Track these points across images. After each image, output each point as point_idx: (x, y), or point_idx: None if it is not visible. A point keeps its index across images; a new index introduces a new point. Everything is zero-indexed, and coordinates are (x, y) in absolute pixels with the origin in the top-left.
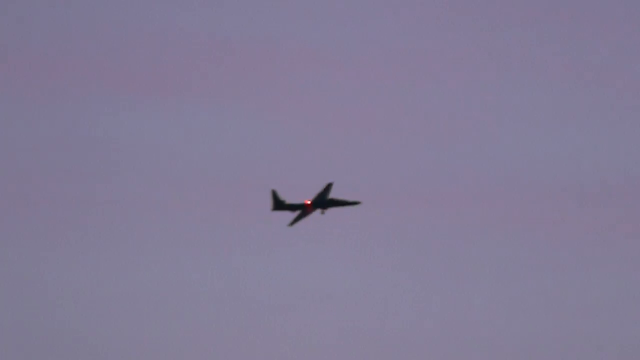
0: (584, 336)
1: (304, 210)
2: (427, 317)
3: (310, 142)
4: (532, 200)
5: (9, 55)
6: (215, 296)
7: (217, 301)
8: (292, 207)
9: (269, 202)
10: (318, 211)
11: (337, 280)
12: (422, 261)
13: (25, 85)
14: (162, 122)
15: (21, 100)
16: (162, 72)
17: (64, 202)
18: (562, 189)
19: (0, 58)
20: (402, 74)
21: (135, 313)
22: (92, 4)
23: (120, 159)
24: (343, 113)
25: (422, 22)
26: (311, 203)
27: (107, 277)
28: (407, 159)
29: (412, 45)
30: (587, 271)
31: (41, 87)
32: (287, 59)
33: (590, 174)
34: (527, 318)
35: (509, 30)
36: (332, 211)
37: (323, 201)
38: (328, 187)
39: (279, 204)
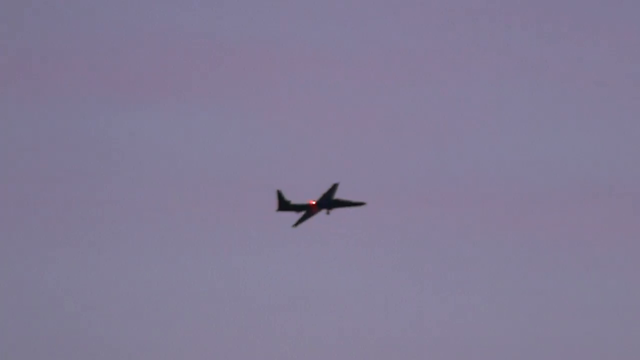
0: (580, 336)
1: (308, 211)
2: (430, 317)
3: (314, 143)
4: (533, 201)
5: (8, 55)
6: (219, 297)
7: (221, 302)
8: (297, 208)
9: (273, 202)
10: (323, 212)
11: (341, 281)
12: (426, 262)
13: (23, 86)
14: (163, 123)
15: (19, 101)
16: (162, 73)
17: (62, 202)
18: (562, 189)
19: None
20: (403, 74)
21: (136, 313)
22: (92, 5)
23: (121, 160)
24: (346, 113)
25: (422, 23)
26: (316, 203)
27: (107, 277)
28: (411, 160)
29: (412, 45)
30: (585, 272)
31: (36, 87)
32: (288, 59)
33: (590, 174)
34: (526, 318)
35: (509, 31)
36: (336, 212)
37: (328, 202)
38: (333, 187)
39: (284, 205)
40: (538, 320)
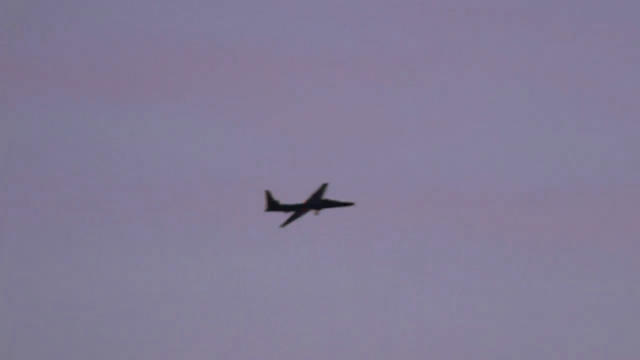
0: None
1: (297, 211)
2: (422, 318)
3: (303, 144)
4: (528, 201)
5: (6, 55)
6: (207, 298)
7: (209, 302)
8: (286, 208)
9: (262, 203)
10: (312, 212)
11: (329, 282)
12: (417, 262)
13: (19, 87)
14: (154, 124)
15: (16, 102)
16: (156, 74)
17: (55, 203)
18: (556, 189)
19: None
20: (394, 76)
21: (124, 313)
22: (91, 5)
23: (115, 161)
24: (338, 113)
25: (417, 25)
26: (305, 204)
27: (101, 278)
28: (401, 160)
29: (405, 47)
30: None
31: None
32: (281, 60)
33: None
34: (522, 318)
35: (508, 32)
36: (325, 212)
37: (317, 202)
38: (323, 187)
39: (273, 205)
40: (534, 321)
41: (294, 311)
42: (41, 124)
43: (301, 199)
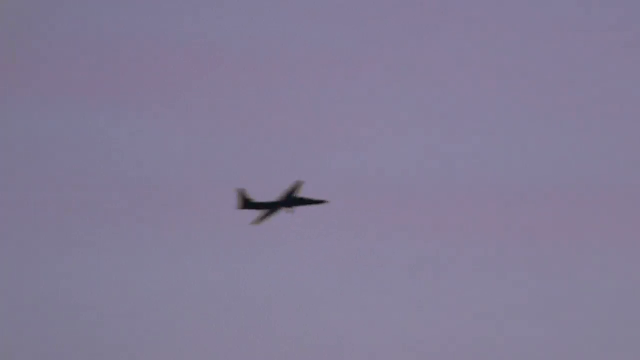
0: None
1: (271, 209)
2: (395, 317)
3: (276, 142)
4: (497, 200)
5: (6, 55)
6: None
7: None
8: (260, 206)
9: (235, 201)
10: (285, 210)
11: (301, 281)
12: (390, 261)
13: (18, 87)
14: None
15: (16, 102)
16: (154, 74)
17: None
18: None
19: None
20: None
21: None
22: (90, 5)
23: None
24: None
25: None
26: (278, 202)
27: (97, 278)
28: (374, 158)
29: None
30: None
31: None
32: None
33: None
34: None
35: (507, 35)
36: (299, 210)
37: (290, 200)
38: (297, 185)
39: (246, 203)
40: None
41: (270, 309)
42: (41, 124)
43: (274, 197)
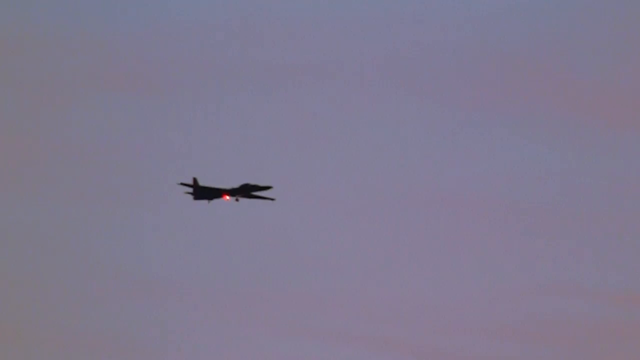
0: None
1: (219, 195)
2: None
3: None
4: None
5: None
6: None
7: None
8: (209, 190)
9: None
10: (232, 198)
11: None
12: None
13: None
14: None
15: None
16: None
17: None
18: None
19: None
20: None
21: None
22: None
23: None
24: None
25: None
26: (227, 192)
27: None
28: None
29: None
30: None
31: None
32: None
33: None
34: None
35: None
36: (244, 202)
37: (238, 190)
38: (245, 186)
39: (198, 191)
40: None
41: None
42: (41, 124)
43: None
